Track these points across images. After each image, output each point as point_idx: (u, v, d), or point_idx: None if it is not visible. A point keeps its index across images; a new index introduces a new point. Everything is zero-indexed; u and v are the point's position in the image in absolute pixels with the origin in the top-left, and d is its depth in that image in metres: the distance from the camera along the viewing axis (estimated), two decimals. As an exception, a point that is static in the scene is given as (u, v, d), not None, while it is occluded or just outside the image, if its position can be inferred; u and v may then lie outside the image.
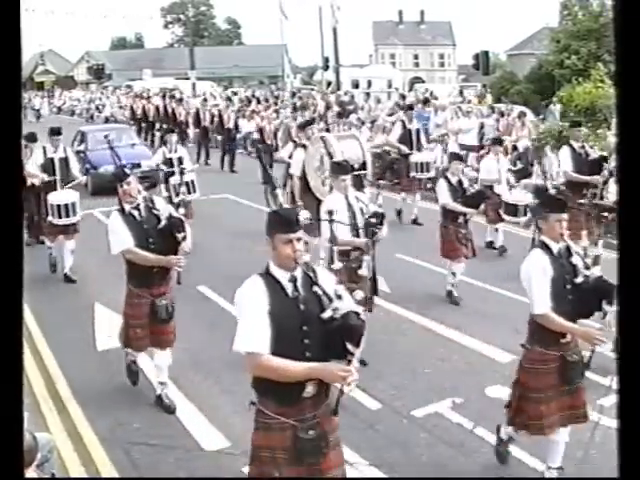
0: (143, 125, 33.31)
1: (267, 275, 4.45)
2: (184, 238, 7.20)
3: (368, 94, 35.69)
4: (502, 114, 21.60)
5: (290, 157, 12.93)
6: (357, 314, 4.27)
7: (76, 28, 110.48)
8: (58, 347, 9.26)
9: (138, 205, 7.28)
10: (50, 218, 11.92)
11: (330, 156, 11.13)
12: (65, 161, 12.30)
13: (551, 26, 41.94)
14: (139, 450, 6.75)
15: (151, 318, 7.33)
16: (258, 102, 32.18)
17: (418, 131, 16.36)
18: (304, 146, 12.13)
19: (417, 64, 77.40)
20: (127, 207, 7.23)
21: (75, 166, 12.62)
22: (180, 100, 32.95)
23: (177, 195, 12.76)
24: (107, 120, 44.48)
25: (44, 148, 12.30)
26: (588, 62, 31.50)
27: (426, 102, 24.59)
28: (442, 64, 78.45)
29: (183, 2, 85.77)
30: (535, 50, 46.22)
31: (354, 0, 70.20)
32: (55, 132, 12.46)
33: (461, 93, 31.82)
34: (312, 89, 42.65)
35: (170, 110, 30.38)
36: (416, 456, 6.54)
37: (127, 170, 7.53)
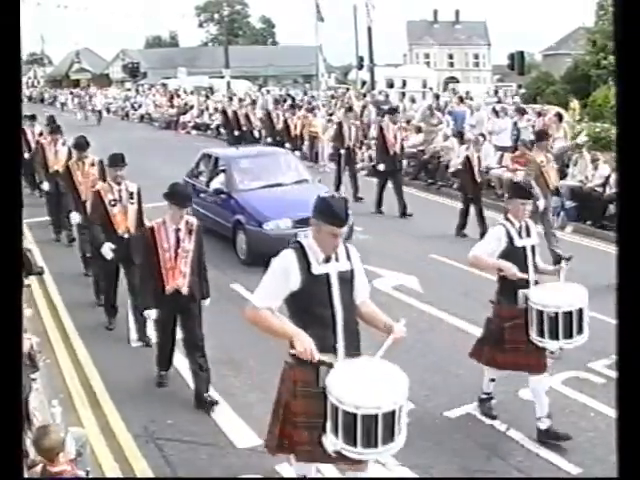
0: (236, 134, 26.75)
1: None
2: None
3: (403, 94, 35.47)
4: (539, 114, 21.45)
5: None
6: None
7: (112, 26, 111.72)
8: (92, 343, 9.34)
9: None
10: None
11: None
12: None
13: (587, 26, 41.63)
14: (172, 446, 6.78)
15: None
16: (293, 101, 32.09)
17: None
18: None
19: (452, 64, 77.11)
20: None
21: None
22: (292, 107, 26.11)
23: None
24: (142, 118, 44.63)
25: None
26: (625, 62, 31.13)
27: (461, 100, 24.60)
28: (477, 64, 78.09)
29: (218, 1, 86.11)
30: (571, 50, 45.88)
31: (389, -1, 70.01)
32: None
33: (496, 93, 31.63)
34: (347, 88, 42.56)
35: (281, 120, 23.90)
36: (449, 457, 6.50)
37: None
